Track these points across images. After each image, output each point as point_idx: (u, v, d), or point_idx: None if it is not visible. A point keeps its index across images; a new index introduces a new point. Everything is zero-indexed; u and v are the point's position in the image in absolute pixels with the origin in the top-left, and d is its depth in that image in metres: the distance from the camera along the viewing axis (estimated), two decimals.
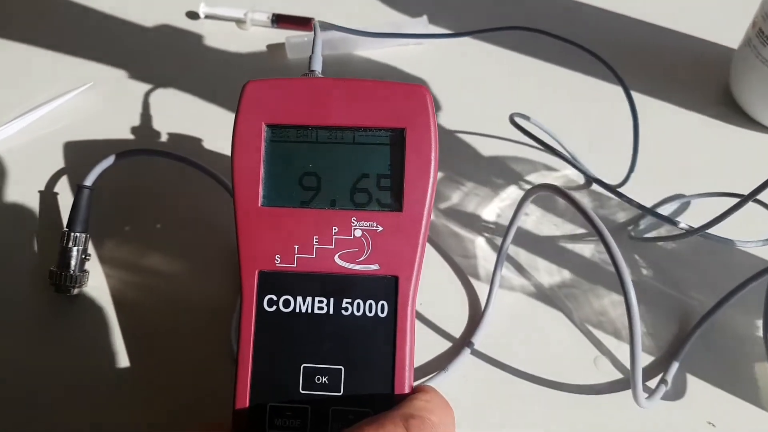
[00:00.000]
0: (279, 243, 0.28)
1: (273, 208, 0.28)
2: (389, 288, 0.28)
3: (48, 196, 0.42)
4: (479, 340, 0.36)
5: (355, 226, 0.28)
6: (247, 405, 0.27)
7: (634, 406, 0.30)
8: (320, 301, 0.28)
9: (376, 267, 0.28)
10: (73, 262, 0.36)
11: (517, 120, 0.40)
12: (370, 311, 0.28)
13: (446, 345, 0.37)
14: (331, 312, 0.28)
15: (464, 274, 0.39)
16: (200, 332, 0.36)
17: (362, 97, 0.28)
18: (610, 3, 0.56)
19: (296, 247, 0.28)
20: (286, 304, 0.28)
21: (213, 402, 0.33)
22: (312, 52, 0.32)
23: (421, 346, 0.35)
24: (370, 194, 0.28)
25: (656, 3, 0.56)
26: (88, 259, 0.37)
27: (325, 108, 0.28)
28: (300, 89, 0.28)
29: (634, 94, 0.42)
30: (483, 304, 0.38)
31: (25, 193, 0.42)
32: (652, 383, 0.35)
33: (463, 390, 0.35)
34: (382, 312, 0.28)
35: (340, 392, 0.27)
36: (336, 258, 0.28)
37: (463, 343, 0.36)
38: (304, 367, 0.27)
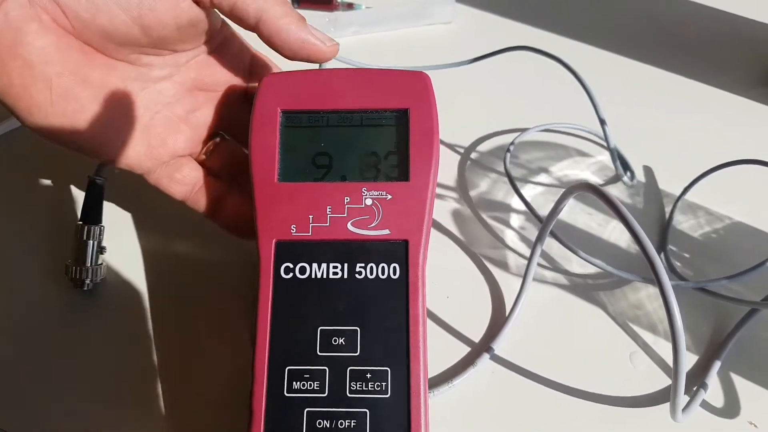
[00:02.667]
0: (294, 214, 0.30)
1: (289, 183, 0.30)
2: (400, 251, 0.30)
3: (61, 189, 0.43)
4: (502, 343, 0.36)
5: (366, 195, 0.30)
6: (266, 370, 0.28)
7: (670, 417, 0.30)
8: (335, 267, 0.29)
9: (387, 232, 0.30)
10: (88, 256, 0.37)
11: None
12: (383, 274, 0.29)
13: (466, 349, 0.36)
14: (345, 276, 0.29)
15: (492, 266, 0.40)
16: (219, 320, 0.37)
17: (368, 83, 0.32)
18: None
19: (311, 217, 0.30)
20: (302, 270, 0.29)
21: (233, 392, 0.34)
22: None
23: (441, 348, 0.36)
24: (379, 169, 0.31)
25: None
26: (104, 252, 0.38)
27: (335, 94, 0.31)
28: (312, 79, 0.32)
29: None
30: (509, 297, 0.38)
31: (38, 185, 0.43)
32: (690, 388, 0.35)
33: (479, 400, 0.35)
34: (395, 274, 0.29)
35: (356, 352, 0.29)
36: (349, 225, 0.30)
37: (482, 347, 0.36)
38: (321, 329, 0.29)
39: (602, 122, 0.40)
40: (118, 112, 0.30)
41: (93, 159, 0.33)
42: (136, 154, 0.32)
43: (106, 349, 0.36)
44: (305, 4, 0.52)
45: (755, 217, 0.41)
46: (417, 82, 0.31)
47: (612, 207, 0.28)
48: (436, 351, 0.35)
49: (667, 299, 0.26)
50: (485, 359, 0.35)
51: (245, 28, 0.31)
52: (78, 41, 0.27)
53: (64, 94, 0.27)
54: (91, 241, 0.38)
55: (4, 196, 0.42)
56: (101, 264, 0.38)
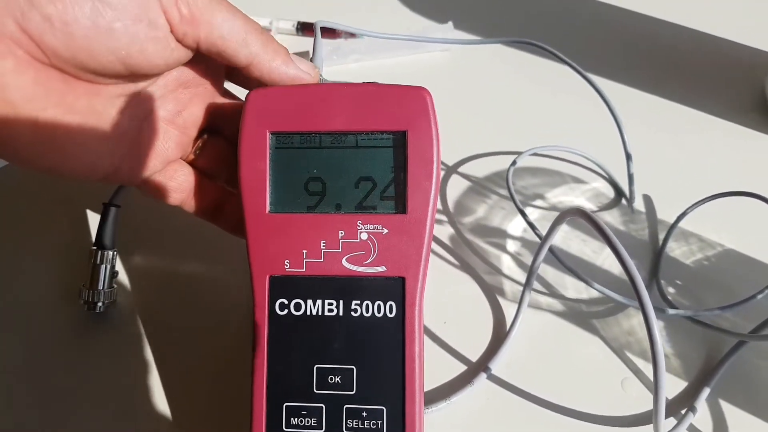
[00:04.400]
0: (288, 248, 0.28)
1: (280, 214, 0.28)
2: (396, 289, 0.28)
3: (77, 213, 0.42)
4: (499, 364, 0.36)
5: (361, 229, 0.28)
6: (264, 406, 0.28)
7: None
8: (330, 304, 0.28)
9: (383, 269, 0.28)
10: (101, 279, 0.37)
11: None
12: (379, 312, 0.28)
13: (463, 368, 0.36)
14: (341, 313, 0.28)
15: (490, 292, 0.39)
16: (230, 342, 0.36)
17: (363, 101, 0.28)
18: (642, 5, 0.55)
19: (305, 251, 0.28)
20: (297, 307, 0.28)
21: (246, 414, 0.33)
22: (313, 54, 0.32)
23: (439, 368, 0.36)
24: (375, 197, 0.28)
25: (690, 6, 0.55)
26: (116, 276, 0.38)
27: (328, 113, 0.28)
28: (302, 96, 0.29)
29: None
30: (507, 320, 0.37)
31: (54, 210, 0.43)
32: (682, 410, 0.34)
33: (476, 418, 0.34)
34: (391, 312, 0.28)
35: (353, 390, 0.28)
36: (344, 261, 0.28)
37: (480, 367, 0.36)
38: (317, 367, 0.28)
39: (628, 157, 0.40)
40: (108, 134, 0.28)
41: (87, 181, 0.32)
42: (129, 169, 0.30)
43: (118, 370, 0.36)
44: (309, 33, 0.52)
45: (747, 246, 0.40)
46: (416, 99, 0.28)
47: (600, 232, 0.27)
48: (434, 368, 0.35)
49: (648, 323, 0.26)
50: (482, 378, 0.35)
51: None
52: (58, 72, 0.25)
53: (50, 129, 0.25)
54: (104, 266, 0.37)
55: (22, 222, 0.42)
56: (114, 287, 0.38)
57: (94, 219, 0.39)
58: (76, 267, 0.39)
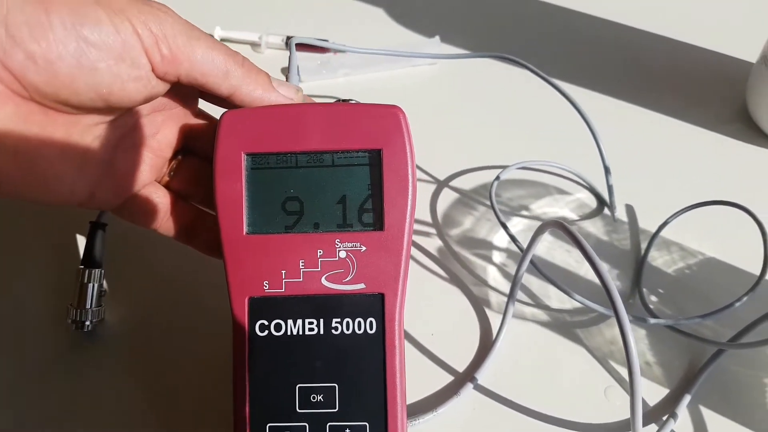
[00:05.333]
0: (266, 269, 0.28)
1: (258, 235, 0.28)
2: (376, 305, 0.28)
3: (64, 233, 0.42)
4: (485, 374, 0.35)
5: (339, 247, 0.28)
6: (248, 427, 0.27)
7: None
8: (311, 322, 0.28)
9: (362, 286, 0.28)
10: (88, 298, 0.37)
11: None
12: (359, 329, 0.28)
13: (450, 379, 0.36)
14: (321, 332, 0.28)
15: (477, 303, 0.39)
16: (218, 359, 0.36)
17: (338, 120, 0.28)
18: (623, 17, 0.56)
19: (283, 272, 0.28)
20: (278, 327, 0.28)
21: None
22: (288, 71, 0.32)
23: (425, 379, 0.35)
24: (352, 215, 0.28)
25: (671, 17, 0.55)
26: (104, 294, 0.38)
27: (303, 133, 0.28)
28: (276, 116, 0.28)
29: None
30: (493, 330, 0.37)
31: (42, 229, 0.42)
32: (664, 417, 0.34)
33: (463, 429, 0.34)
34: (371, 329, 0.28)
35: (335, 408, 0.27)
36: (323, 280, 0.28)
37: (466, 377, 0.36)
38: (299, 387, 0.28)
39: (607, 170, 0.40)
40: (84, 161, 0.28)
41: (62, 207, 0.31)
42: (104, 195, 0.30)
43: (106, 388, 0.35)
44: (298, 48, 0.52)
45: (728, 254, 0.40)
46: (390, 118, 0.28)
47: (577, 244, 0.27)
48: (422, 379, 0.35)
49: (624, 332, 0.25)
50: (469, 389, 0.34)
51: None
52: (38, 105, 0.25)
53: (30, 160, 0.25)
54: (92, 284, 0.37)
55: (9, 241, 0.42)
56: (101, 306, 0.38)
57: (81, 237, 0.39)
58: (63, 286, 0.39)
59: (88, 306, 0.37)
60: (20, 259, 0.41)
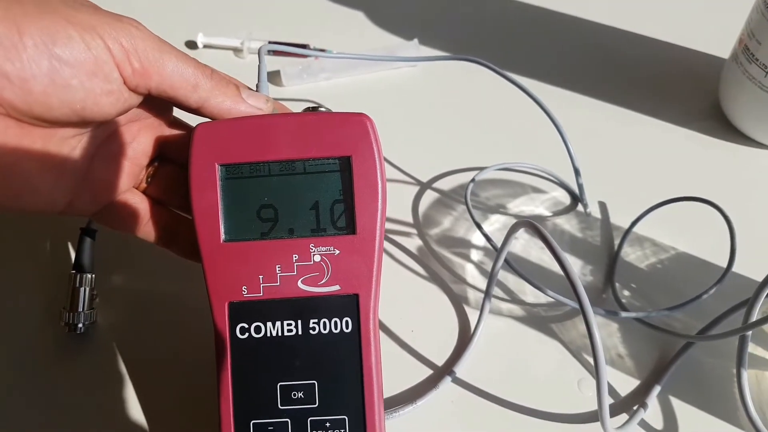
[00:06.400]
0: (244, 275, 0.29)
1: (235, 242, 0.29)
2: (351, 305, 0.29)
3: (57, 238, 0.43)
4: (463, 368, 0.36)
5: (314, 251, 0.29)
6: (232, 425, 0.29)
7: None
8: (289, 324, 0.29)
9: (337, 288, 0.29)
10: (80, 302, 0.38)
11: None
12: (336, 328, 0.29)
13: (429, 372, 0.37)
14: (300, 332, 0.29)
15: (455, 299, 0.40)
16: (209, 361, 0.37)
17: (309, 129, 0.28)
18: (594, 14, 0.56)
19: (261, 277, 0.29)
20: (257, 330, 0.29)
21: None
22: (258, 80, 0.32)
23: (406, 373, 0.37)
24: (325, 220, 0.29)
25: (643, 13, 0.56)
26: (96, 298, 0.39)
27: (274, 143, 0.28)
28: (248, 127, 0.29)
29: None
30: (471, 325, 0.38)
31: (35, 235, 0.43)
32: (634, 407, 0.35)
33: (442, 420, 0.35)
34: (347, 327, 0.29)
35: (315, 404, 0.29)
36: (299, 283, 0.29)
37: (444, 371, 0.37)
38: (280, 385, 0.29)
39: (577, 172, 0.41)
40: (61, 172, 0.28)
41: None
42: (82, 203, 0.30)
43: (98, 388, 0.36)
44: (279, 53, 0.53)
45: (698, 249, 0.41)
46: (358, 126, 0.28)
47: (545, 242, 0.28)
48: (401, 373, 0.36)
49: (588, 323, 0.27)
50: (447, 382, 0.36)
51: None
52: (14, 120, 0.25)
53: (8, 174, 0.26)
54: (83, 288, 0.38)
55: (3, 246, 0.43)
56: (93, 309, 0.39)
57: (73, 242, 0.39)
58: (56, 290, 0.40)
59: (80, 309, 0.38)
60: (15, 263, 0.42)
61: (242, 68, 0.53)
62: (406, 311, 0.39)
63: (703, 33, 0.54)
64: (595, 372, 0.27)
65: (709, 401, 0.35)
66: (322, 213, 0.29)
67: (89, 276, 0.39)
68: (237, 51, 0.55)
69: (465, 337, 0.38)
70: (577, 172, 0.41)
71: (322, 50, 0.50)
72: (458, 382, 0.36)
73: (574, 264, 0.40)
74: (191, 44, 0.56)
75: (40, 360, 0.38)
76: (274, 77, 0.52)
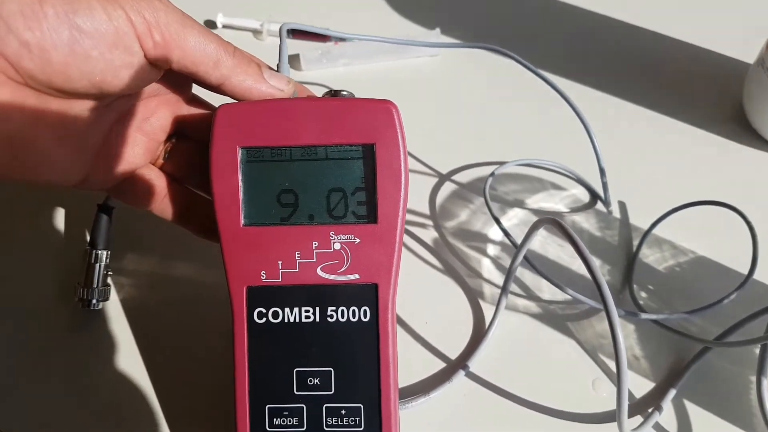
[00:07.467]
0: (263, 260, 0.28)
1: (254, 227, 0.28)
2: (370, 295, 0.29)
3: (72, 214, 0.43)
4: (477, 362, 0.36)
5: (334, 239, 0.28)
6: (247, 408, 0.29)
7: None
8: (307, 311, 0.29)
9: (356, 276, 0.29)
10: (95, 278, 0.38)
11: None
12: (354, 317, 0.29)
13: (443, 365, 0.37)
14: (317, 320, 0.29)
15: (470, 293, 0.39)
16: (221, 341, 0.36)
17: (332, 114, 0.28)
18: (622, 13, 0.56)
19: (280, 262, 0.28)
20: (275, 315, 0.29)
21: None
22: (279, 60, 0.32)
23: (419, 365, 0.36)
24: (346, 207, 0.28)
25: (669, 15, 0.55)
26: (110, 274, 0.39)
27: (297, 127, 0.28)
28: (271, 110, 0.28)
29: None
30: (486, 320, 0.38)
31: (51, 211, 0.43)
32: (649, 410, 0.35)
33: (454, 414, 0.35)
34: (365, 317, 0.29)
35: (331, 391, 0.29)
36: (318, 270, 0.29)
37: (458, 364, 0.36)
38: (296, 371, 0.29)
39: (602, 171, 0.40)
40: (78, 144, 0.28)
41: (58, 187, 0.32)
42: (98, 177, 0.30)
43: (111, 364, 0.36)
44: (299, 37, 0.52)
45: (718, 253, 0.40)
46: (384, 113, 0.28)
47: (570, 240, 0.27)
48: (415, 365, 0.36)
49: (612, 325, 0.26)
50: (460, 375, 0.35)
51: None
52: (32, 90, 0.25)
53: (25, 144, 0.26)
54: (98, 265, 0.38)
55: (18, 221, 0.42)
56: (108, 286, 0.39)
57: (89, 218, 0.39)
58: (71, 265, 0.39)
59: (94, 285, 0.38)
60: (31, 237, 0.42)
61: (261, 51, 0.51)
62: (420, 303, 0.38)
63: (729, 36, 0.53)
64: (617, 373, 0.26)
65: (725, 407, 0.35)
66: (343, 200, 0.28)
67: (104, 253, 0.38)
68: (256, 33, 0.54)
69: (479, 332, 0.37)
70: (602, 172, 0.40)
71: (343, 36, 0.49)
72: (471, 376, 0.36)
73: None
74: (211, 24, 0.55)
75: (54, 335, 0.38)
76: (293, 61, 0.52)
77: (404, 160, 0.28)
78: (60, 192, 0.44)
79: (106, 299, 0.38)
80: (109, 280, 0.39)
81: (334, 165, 0.28)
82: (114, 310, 0.39)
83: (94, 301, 0.38)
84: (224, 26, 0.54)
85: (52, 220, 0.43)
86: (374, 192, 0.28)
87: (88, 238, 0.39)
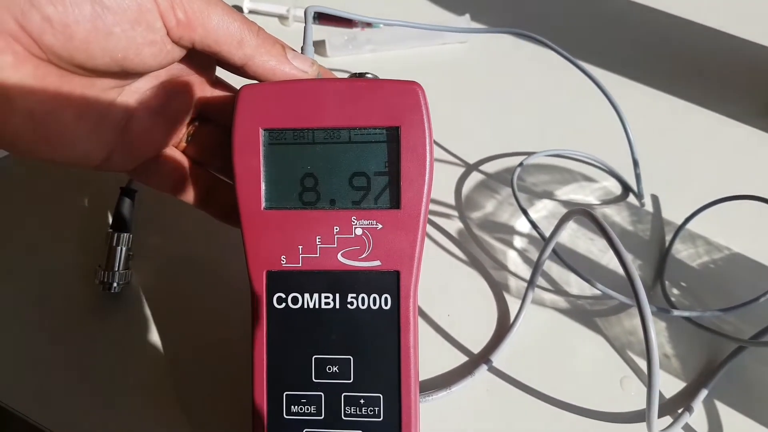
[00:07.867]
0: (284, 244, 0.28)
1: (275, 210, 0.28)
2: (391, 282, 0.28)
3: (95, 197, 0.43)
4: (501, 357, 0.35)
5: (356, 225, 0.28)
6: (265, 395, 0.28)
7: None
8: (326, 297, 0.28)
9: (377, 263, 0.28)
10: (117, 261, 0.38)
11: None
12: (375, 304, 0.28)
13: (465, 359, 0.36)
14: (337, 306, 0.28)
15: (495, 286, 0.38)
16: (240, 326, 0.36)
17: (356, 96, 0.27)
18: (663, 3, 0.54)
19: (300, 247, 0.28)
20: (295, 301, 0.28)
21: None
22: (303, 42, 0.31)
23: (441, 358, 0.35)
24: (369, 192, 0.28)
25: (707, 5, 0.53)
26: (132, 257, 0.38)
27: (320, 109, 0.27)
28: (294, 92, 0.28)
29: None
30: (512, 318, 0.37)
31: (74, 193, 0.43)
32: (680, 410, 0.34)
33: (476, 409, 0.34)
34: (386, 305, 0.28)
35: (350, 379, 0.28)
36: (339, 256, 0.28)
37: (481, 359, 0.35)
38: (315, 358, 0.28)
39: (635, 163, 0.39)
40: (100, 124, 0.28)
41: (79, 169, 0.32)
42: (119, 158, 0.29)
43: (130, 347, 0.36)
44: (324, 22, 0.51)
45: (754, 250, 0.38)
46: (409, 95, 0.27)
47: (603, 233, 0.26)
48: (437, 358, 0.35)
49: (645, 324, 0.25)
50: (483, 370, 0.34)
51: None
52: (55, 67, 0.25)
53: (46, 120, 0.25)
54: (120, 248, 0.38)
55: (43, 204, 0.43)
56: (129, 269, 0.39)
57: (111, 201, 0.39)
58: (93, 248, 0.39)
59: (116, 268, 0.38)
60: (54, 219, 0.42)
61: (287, 36, 0.51)
62: (442, 294, 0.38)
63: (766, 27, 0.51)
64: (647, 372, 0.25)
65: (759, 410, 0.33)
66: (366, 185, 0.28)
67: (126, 236, 0.38)
68: (282, 18, 0.54)
69: (504, 326, 0.36)
70: (635, 163, 0.39)
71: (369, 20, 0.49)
72: (494, 371, 0.35)
73: None
74: (237, 9, 0.54)
75: (74, 317, 0.38)
76: (319, 47, 0.51)
77: (429, 144, 0.27)
78: (83, 175, 0.44)
79: (127, 282, 0.38)
80: (130, 263, 0.39)
81: (357, 148, 0.27)
82: (134, 293, 0.38)
83: (115, 284, 0.37)
84: (250, 11, 0.54)
85: (75, 203, 0.43)
86: (398, 177, 0.27)
87: (110, 220, 0.39)
